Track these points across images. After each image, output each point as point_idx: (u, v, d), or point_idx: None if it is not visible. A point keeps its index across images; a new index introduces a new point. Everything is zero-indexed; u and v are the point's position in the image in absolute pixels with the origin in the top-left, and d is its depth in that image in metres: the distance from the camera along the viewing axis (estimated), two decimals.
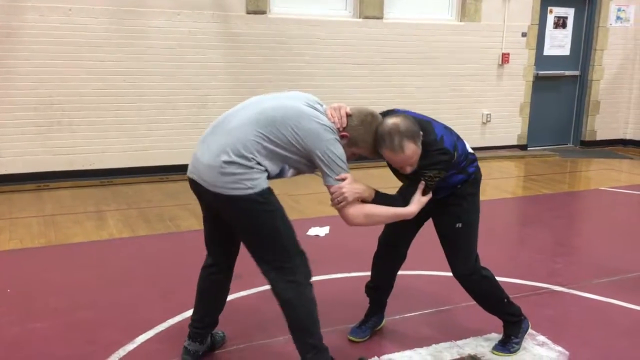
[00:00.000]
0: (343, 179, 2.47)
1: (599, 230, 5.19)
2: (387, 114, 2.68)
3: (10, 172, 6.03)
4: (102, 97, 6.27)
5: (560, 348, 3.03)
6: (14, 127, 6.01)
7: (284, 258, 2.50)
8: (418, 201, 2.62)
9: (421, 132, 2.56)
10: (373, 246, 3.08)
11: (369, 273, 3.14)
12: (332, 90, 7.12)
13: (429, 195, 2.65)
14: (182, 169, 6.29)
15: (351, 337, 3.08)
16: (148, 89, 6.45)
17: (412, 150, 2.50)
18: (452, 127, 2.80)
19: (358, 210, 2.52)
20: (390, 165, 2.73)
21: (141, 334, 3.10)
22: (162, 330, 3.15)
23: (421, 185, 2.61)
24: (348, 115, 2.55)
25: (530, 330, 3.10)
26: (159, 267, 4.07)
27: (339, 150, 2.47)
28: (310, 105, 2.52)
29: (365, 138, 2.55)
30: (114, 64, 6.25)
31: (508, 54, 8.22)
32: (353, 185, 2.49)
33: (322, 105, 2.59)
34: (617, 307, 3.54)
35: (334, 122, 2.50)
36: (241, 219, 2.48)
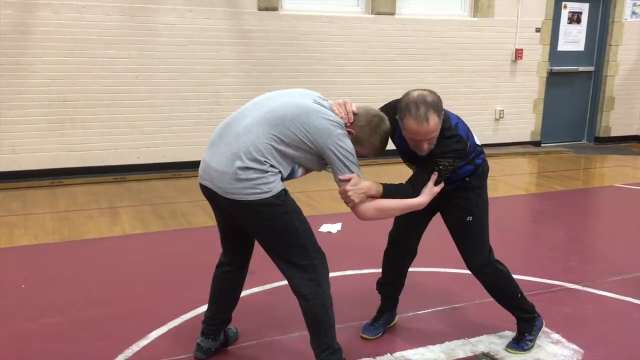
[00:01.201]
0: (348, 180, 2.45)
1: (614, 228, 5.14)
2: (389, 106, 2.67)
3: (24, 168, 6.07)
4: (115, 94, 6.29)
5: (574, 346, 3.01)
6: (27, 123, 6.04)
7: (302, 257, 2.49)
8: (429, 191, 2.59)
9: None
10: (385, 243, 3.07)
11: (380, 270, 3.13)
12: (344, 87, 7.10)
13: (441, 186, 2.63)
14: (194, 165, 6.28)
15: (364, 335, 3.08)
16: (160, 86, 6.46)
17: (435, 123, 2.47)
18: (466, 123, 2.78)
19: (368, 206, 2.52)
20: (402, 151, 2.71)
21: (154, 329, 3.11)
22: (175, 327, 3.16)
23: (434, 176, 2.58)
24: (354, 113, 2.53)
25: (544, 328, 3.07)
26: (172, 263, 4.08)
27: (348, 145, 2.46)
28: (316, 101, 2.51)
29: (371, 139, 2.54)
30: (127, 60, 6.28)
31: (521, 49, 8.15)
32: (359, 186, 2.47)
33: (326, 101, 2.57)
34: (632, 305, 3.50)
35: (341, 118, 2.49)
36: (258, 222, 2.48)
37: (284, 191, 2.45)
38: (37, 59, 5.97)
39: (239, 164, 2.38)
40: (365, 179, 2.53)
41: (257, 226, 2.50)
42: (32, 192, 5.81)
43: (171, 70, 6.47)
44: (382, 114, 2.60)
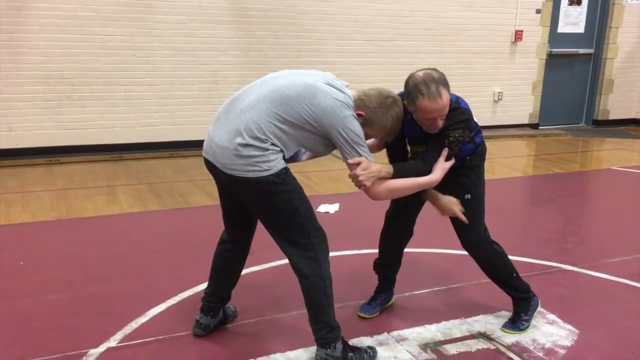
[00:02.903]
0: (358, 163, 2.45)
1: (610, 210, 5.16)
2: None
3: (21, 146, 6.05)
4: (112, 72, 6.25)
5: (570, 326, 3.03)
6: (24, 101, 6.01)
7: (302, 235, 2.50)
8: (441, 167, 2.60)
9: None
10: (382, 223, 3.08)
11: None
12: (342, 67, 7.06)
13: (452, 161, 2.64)
14: (192, 145, 6.39)
15: (361, 314, 3.10)
16: (158, 64, 6.42)
17: (447, 98, 2.49)
18: None
19: (381, 188, 2.52)
20: (409, 138, 2.70)
21: (153, 307, 3.12)
22: (174, 304, 3.17)
23: (444, 152, 2.59)
24: (364, 95, 2.50)
25: (540, 309, 3.10)
26: (171, 241, 4.09)
27: (356, 128, 2.43)
28: (327, 82, 2.47)
29: (382, 121, 2.51)
30: (124, 38, 6.22)
31: (521, 31, 8.11)
32: (369, 169, 2.46)
33: (339, 81, 2.53)
34: (628, 286, 3.53)
35: (353, 100, 2.44)
36: (258, 199, 2.48)
37: (285, 169, 2.44)
38: (34, 36, 5.92)
39: (239, 140, 2.37)
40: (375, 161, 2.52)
41: (257, 203, 2.50)
42: (29, 170, 5.80)
43: (169, 49, 6.42)
44: (397, 96, 2.56)
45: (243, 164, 2.38)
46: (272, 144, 2.39)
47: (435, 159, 2.60)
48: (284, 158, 2.44)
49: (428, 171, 2.60)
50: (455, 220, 2.89)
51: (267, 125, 2.38)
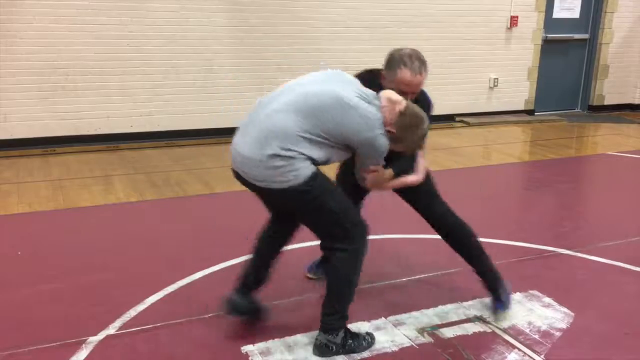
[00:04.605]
0: (374, 171, 2.58)
1: (606, 195, 5.19)
2: (365, 74, 2.79)
3: (16, 137, 6.03)
4: (106, 61, 6.22)
5: (565, 309, 3.06)
6: (18, 91, 5.98)
7: (340, 231, 2.51)
8: (423, 165, 2.80)
9: None
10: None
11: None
12: (338, 54, 7.03)
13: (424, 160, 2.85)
14: (187, 134, 6.38)
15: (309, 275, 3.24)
16: (152, 53, 6.39)
17: (424, 78, 2.66)
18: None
19: (375, 185, 2.72)
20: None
21: (151, 295, 3.13)
22: (172, 292, 3.19)
23: (421, 153, 2.77)
24: (401, 113, 2.47)
25: (536, 292, 3.14)
26: (168, 230, 4.09)
27: (384, 146, 2.44)
28: (358, 94, 2.42)
29: (408, 140, 2.51)
30: (118, 27, 6.19)
31: (517, 16, 8.08)
32: (379, 176, 2.63)
33: (369, 92, 2.48)
34: (623, 269, 3.56)
35: (383, 116, 2.43)
36: (290, 206, 2.52)
37: (314, 174, 2.41)
38: (27, 25, 5.88)
39: (267, 151, 2.35)
40: None
41: (289, 209, 2.56)
42: (24, 160, 5.78)
43: (163, 37, 6.39)
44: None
45: (270, 175, 2.37)
46: (300, 153, 2.37)
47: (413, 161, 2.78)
48: (315, 164, 2.42)
49: (412, 167, 2.77)
50: (415, 197, 2.95)
51: (294, 136, 2.35)
